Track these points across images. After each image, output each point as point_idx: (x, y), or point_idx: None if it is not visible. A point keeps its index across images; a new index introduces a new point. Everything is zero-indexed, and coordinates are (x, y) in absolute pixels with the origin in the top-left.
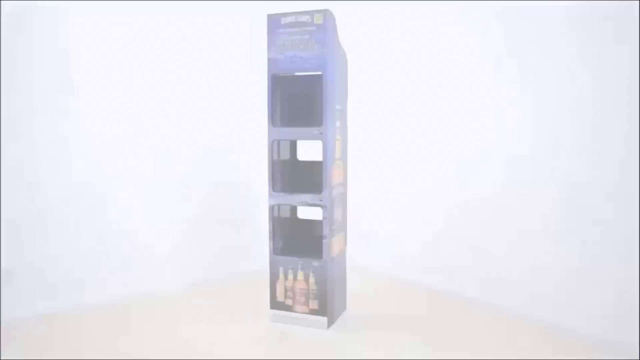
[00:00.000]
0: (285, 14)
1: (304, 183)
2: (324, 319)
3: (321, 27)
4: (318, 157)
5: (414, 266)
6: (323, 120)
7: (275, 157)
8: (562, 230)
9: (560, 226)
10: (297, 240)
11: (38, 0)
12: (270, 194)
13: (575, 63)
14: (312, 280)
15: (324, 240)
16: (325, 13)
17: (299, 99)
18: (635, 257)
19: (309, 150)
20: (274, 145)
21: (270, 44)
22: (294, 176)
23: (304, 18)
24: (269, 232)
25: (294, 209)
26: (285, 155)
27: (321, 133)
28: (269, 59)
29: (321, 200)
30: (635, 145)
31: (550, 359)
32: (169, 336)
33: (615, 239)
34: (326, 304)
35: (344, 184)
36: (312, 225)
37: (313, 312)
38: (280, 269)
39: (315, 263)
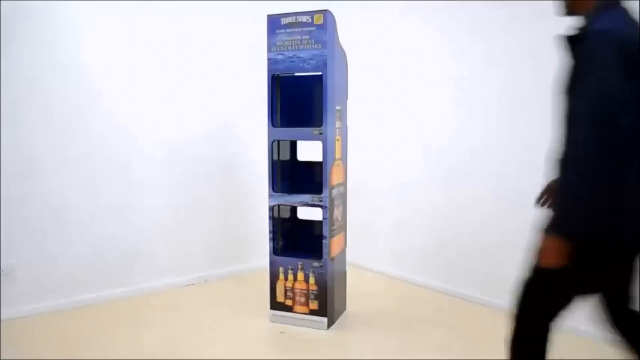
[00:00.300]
0: (285, 14)
1: (304, 183)
2: (324, 320)
3: (321, 27)
4: (318, 157)
5: (413, 266)
6: (323, 120)
7: (275, 157)
8: None
9: None
10: (297, 241)
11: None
12: (270, 194)
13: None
14: (312, 280)
15: (323, 241)
16: (325, 13)
17: (299, 99)
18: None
19: (309, 150)
20: (274, 146)
21: (270, 44)
22: (294, 176)
23: (303, 18)
24: (269, 232)
25: (294, 209)
26: (285, 155)
27: (321, 133)
28: (268, 59)
29: (321, 201)
30: None
31: (549, 359)
32: (168, 336)
33: None
34: (326, 304)
35: (344, 184)
36: (312, 226)
37: (313, 312)
38: (280, 269)
39: (315, 263)
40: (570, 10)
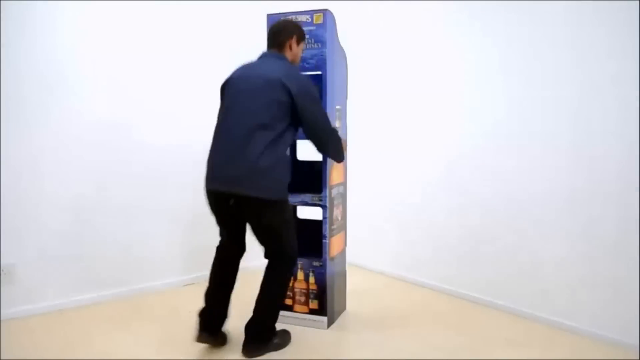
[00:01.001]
0: (285, 14)
1: (303, 183)
2: (324, 319)
3: (321, 27)
4: (318, 156)
5: (413, 266)
6: None
7: None
8: (561, 228)
9: (559, 224)
10: (296, 240)
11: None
12: None
13: (574, 64)
14: (311, 280)
15: (323, 240)
16: (325, 12)
17: None
18: (635, 256)
19: (309, 150)
20: None
21: None
22: (294, 176)
23: (303, 18)
24: None
25: (293, 209)
26: None
27: None
28: None
29: (321, 200)
30: (635, 145)
31: (549, 359)
32: (168, 335)
33: (616, 238)
34: (326, 304)
35: (344, 184)
36: (312, 225)
37: (313, 312)
38: None
39: (315, 263)
40: None
